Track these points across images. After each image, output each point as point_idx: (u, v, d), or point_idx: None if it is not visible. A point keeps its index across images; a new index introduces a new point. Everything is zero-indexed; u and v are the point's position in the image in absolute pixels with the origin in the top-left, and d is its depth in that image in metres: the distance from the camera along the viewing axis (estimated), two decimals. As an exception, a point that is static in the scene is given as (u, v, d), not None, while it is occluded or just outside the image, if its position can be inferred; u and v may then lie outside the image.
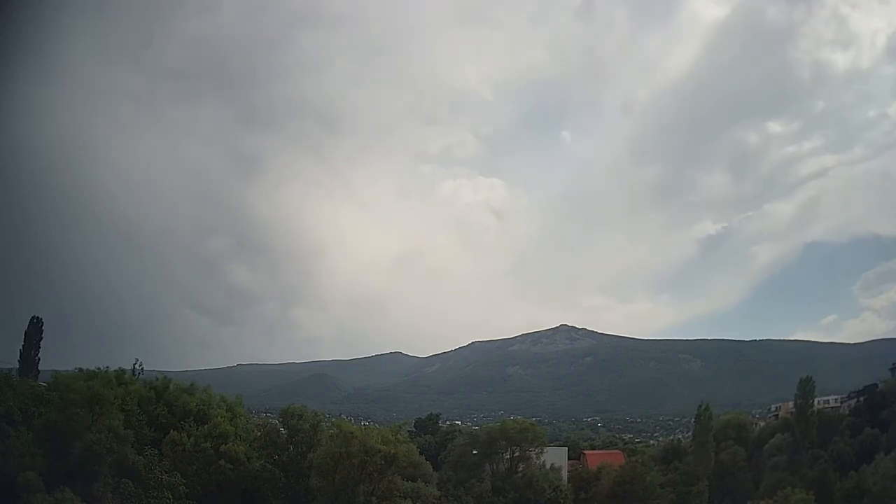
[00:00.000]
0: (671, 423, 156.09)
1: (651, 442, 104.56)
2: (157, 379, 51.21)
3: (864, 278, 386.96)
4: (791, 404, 61.39)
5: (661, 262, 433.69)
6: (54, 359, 57.95)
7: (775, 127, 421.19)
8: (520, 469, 51.96)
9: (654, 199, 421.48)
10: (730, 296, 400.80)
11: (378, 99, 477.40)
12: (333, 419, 55.91)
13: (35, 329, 55.67)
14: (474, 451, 53.91)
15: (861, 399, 64.95)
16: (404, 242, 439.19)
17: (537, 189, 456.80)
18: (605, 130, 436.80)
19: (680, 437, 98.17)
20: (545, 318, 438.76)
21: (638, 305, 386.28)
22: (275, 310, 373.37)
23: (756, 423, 71.54)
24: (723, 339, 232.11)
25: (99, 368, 45.86)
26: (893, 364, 70.30)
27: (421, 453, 51.04)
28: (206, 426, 43.96)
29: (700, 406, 58.49)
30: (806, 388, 56.78)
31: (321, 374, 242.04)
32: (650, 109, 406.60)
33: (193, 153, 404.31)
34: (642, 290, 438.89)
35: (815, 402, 58.89)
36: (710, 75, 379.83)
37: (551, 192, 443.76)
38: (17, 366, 53.98)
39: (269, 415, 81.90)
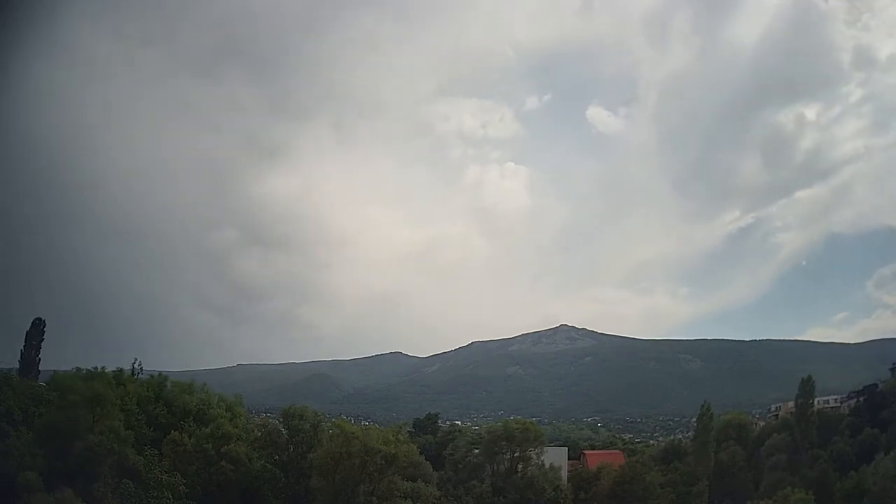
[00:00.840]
0: (671, 423, 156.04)
1: (651, 442, 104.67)
2: (152, 377, 51.33)
3: (880, 274, 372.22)
4: (791, 404, 61.48)
5: (686, 254, 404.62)
6: (54, 359, 58.00)
7: (811, 110, 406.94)
8: (520, 469, 51.98)
9: (683, 185, 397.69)
10: (752, 289, 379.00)
11: (403, 77, 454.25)
12: (334, 419, 55.92)
13: (36, 330, 55.68)
14: (475, 451, 53.94)
15: (861, 399, 64.99)
16: (424, 234, 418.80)
17: (561, 173, 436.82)
18: (634, 110, 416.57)
19: (680, 437, 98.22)
20: (545, 318, 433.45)
21: (657, 299, 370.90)
22: (283, 308, 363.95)
23: (756, 423, 71.56)
24: (723, 339, 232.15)
25: (96, 368, 46.01)
26: (893, 364, 70.33)
27: (421, 453, 51.10)
28: (207, 427, 44.00)
29: (702, 406, 58.54)
30: (806, 388, 56.85)
31: (321, 374, 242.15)
32: (682, 88, 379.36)
33: (203, 138, 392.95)
34: (662, 284, 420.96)
35: (815, 402, 58.97)
36: (745, 55, 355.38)
37: (575, 176, 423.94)
38: (18, 366, 54.02)
39: (269, 415, 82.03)
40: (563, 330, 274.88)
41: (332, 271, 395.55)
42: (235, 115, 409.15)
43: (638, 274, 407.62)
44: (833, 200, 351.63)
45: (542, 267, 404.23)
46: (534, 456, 52.05)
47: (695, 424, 67.22)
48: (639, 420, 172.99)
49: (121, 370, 49.26)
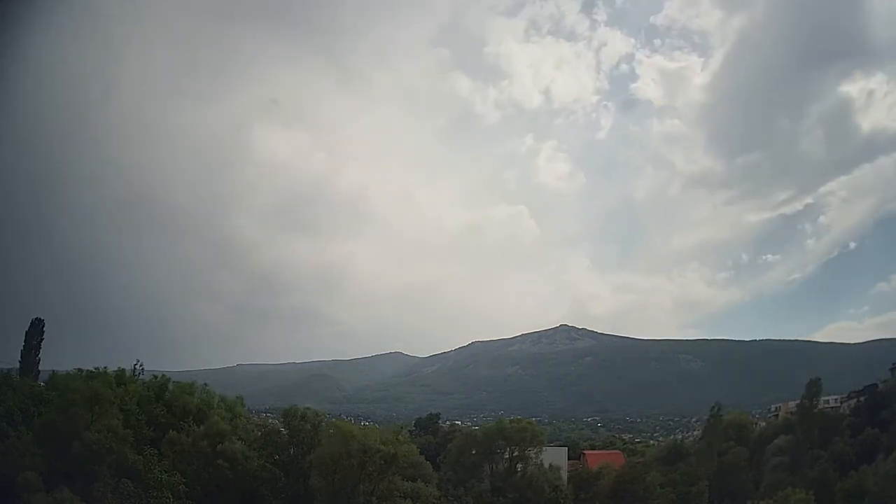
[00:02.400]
0: (671, 423, 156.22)
1: (651, 442, 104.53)
2: (155, 378, 51.31)
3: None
4: (791, 404, 61.57)
5: (731, 237, 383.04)
6: (54, 359, 58.02)
7: (883, 80, 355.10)
8: (519, 469, 51.91)
9: (737, 156, 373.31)
10: (799, 273, 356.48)
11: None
12: (334, 419, 55.90)
13: (35, 330, 55.72)
14: (473, 451, 53.84)
15: (861, 399, 64.96)
16: (468, 216, 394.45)
17: (614, 143, 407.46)
18: (697, 66, 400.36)
19: (680, 437, 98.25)
20: (545, 318, 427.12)
21: (693, 286, 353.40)
22: (303, 302, 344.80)
23: (756, 424, 71.52)
24: (723, 339, 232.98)
25: (97, 368, 46.00)
26: (893, 364, 70.24)
27: (421, 453, 51.02)
28: (203, 426, 43.99)
29: (713, 408, 58.67)
30: (812, 390, 56.80)
31: (321, 375, 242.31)
32: (751, 46, 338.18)
33: (214, 104, 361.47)
34: (700, 270, 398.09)
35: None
36: (819, 14, 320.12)
37: (627, 145, 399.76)
38: (18, 366, 54.02)
39: (269, 415, 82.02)
40: (563, 330, 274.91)
41: (363, 260, 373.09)
42: (255, 72, 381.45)
43: (677, 259, 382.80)
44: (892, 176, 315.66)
45: (577, 252, 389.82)
46: (533, 456, 51.95)
47: (695, 424, 67.34)
48: (639, 420, 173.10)
49: (122, 370, 49.25)
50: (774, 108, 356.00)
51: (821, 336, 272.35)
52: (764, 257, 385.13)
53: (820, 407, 61.84)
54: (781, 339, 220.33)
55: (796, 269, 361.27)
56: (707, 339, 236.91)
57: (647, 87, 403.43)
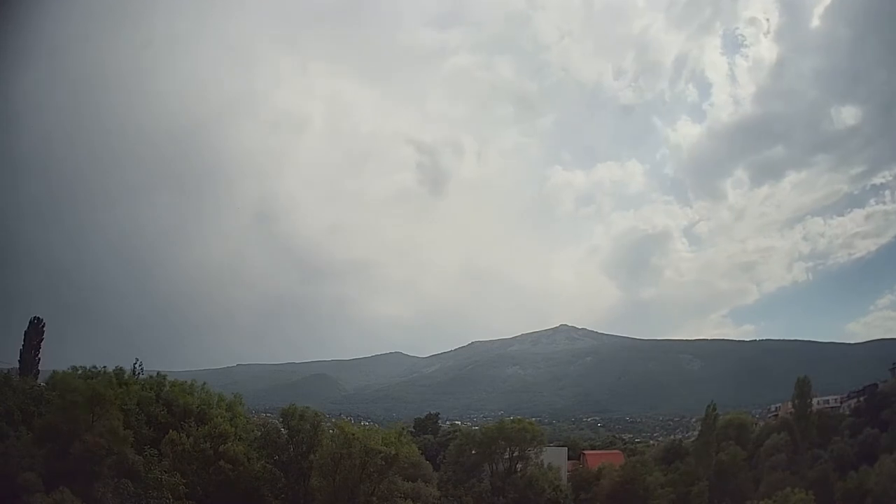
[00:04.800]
0: (671, 423, 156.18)
1: (651, 442, 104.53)
2: (152, 376, 51.36)
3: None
4: (791, 404, 61.41)
5: (812, 206, 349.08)
6: (54, 359, 57.97)
7: None
8: (519, 469, 51.95)
9: (829, 108, 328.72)
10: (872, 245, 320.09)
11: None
12: (334, 419, 55.91)
13: (35, 329, 55.73)
14: (473, 451, 53.86)
15: (861, 399, 64.89)
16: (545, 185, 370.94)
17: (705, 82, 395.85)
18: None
19: (680, 437, 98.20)
20: (545, 319, 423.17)
21: (762, 261, 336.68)
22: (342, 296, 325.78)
23: (756, 423, 71.47)
24: (723, 340, 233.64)
25: (95, 367, 46.04)
26: (893, 364, 70.25)
27: (421, 453, 51.04)
28: (205, 426, 43.98)
29: (708, 407, 58.55)
30: (803, 389, 56.81)
31: (321, 374, 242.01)
32: None
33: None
34: (773, 241, 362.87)
35: (815, 402, 58.87)
36: None
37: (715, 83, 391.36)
38: (17, 366, 54.02)
39: (269, 415, 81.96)
40: (563, 330, 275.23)
41: (413, 247, 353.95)
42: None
43: (752, 227, 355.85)
44: None
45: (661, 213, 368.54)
46: (533, 456, 52.01)
47: (695, 424, 67.32)
48: (639, 420, 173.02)
49: (120, 369, 49.29)
50: (883, 58, 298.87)
51: (867, 320, 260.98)
52: (837, 223, 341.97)
53: (820, 407, 61.85)
54: (781, 339, 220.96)
55: (870, 241, 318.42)
56: (707, 340, 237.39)
57: (758, 22, 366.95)
